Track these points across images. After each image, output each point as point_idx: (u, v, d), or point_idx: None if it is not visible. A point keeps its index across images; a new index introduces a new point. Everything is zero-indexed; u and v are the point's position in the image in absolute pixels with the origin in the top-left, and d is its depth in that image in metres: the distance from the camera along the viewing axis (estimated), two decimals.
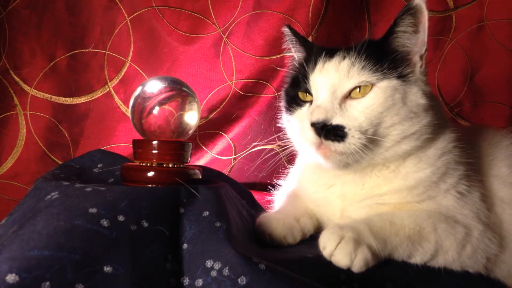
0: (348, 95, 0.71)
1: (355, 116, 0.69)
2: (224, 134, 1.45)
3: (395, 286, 0.64)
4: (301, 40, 0.86)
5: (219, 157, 1.46)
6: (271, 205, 0.97)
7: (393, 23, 0.73)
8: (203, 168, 0.81)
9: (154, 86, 0.75)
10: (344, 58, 0.73)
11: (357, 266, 0.61)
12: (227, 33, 1.41)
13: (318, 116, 0.69)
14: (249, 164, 1.43)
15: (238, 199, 0.82)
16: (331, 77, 0.72)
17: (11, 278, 0.45)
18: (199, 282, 0.55)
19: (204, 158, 1.46)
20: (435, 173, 0.73)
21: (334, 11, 1.38)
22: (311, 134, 0.70)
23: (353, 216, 0.74)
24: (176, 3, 1.41)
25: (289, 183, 0.94)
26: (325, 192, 0.82)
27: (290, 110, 0.80)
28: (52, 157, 1.39)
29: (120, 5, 1.40)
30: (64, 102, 1.40)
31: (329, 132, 0.69)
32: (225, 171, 1.46)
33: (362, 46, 0.72)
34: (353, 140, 0.68)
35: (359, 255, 0.61)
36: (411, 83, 0.72)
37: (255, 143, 1.43)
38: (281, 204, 0.90)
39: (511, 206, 0.77)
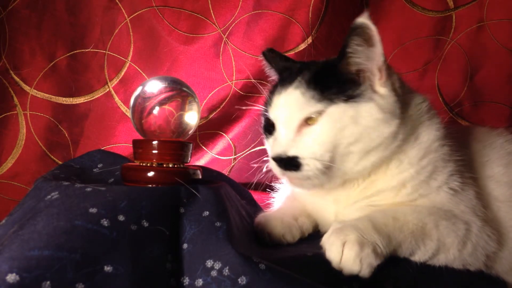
0: (304, 123, 0.73)
1: (308, 145, 0.72)
2: (224, 134, 1.45)
3: (396, 285, 0.64)
4: (277, 64, 0.87)
5: (219, 157, 1.46)
6: (271, 207, 0.97)
7: (343, 44, 0.73)
8: (203, 168, 0.81)
9: (154, 86, 0.75)
10: (296, 88, 0.74)
11: (366, 273, 0.60)
12: (227, 33, 1.41)
13: (276, 150, 0.74)
14: (249, 164, 1.43)
15: (237, 199, 0.82)
16: (284, 110, 0.75)
17: (11, 277, 0.45)
18: (199, 282, 0.55)
19: (204, 158, 1.46)
20: (421, 173, 0.73)
21: (334, 11, 1.38)
22: (274, 166, 0.75)
23: (348, 218, 0.74)
24: (176, 3, 1.41)
25: (287, 185, 0.94)
26: (315, 197, 0.82)
27: (266, 137, 0.83)
28: (52, 157, 1.39)
29: (120, 5, 1.40)
30: (64, 102, 1.40)
31: (287, 163, 0.73)
32: (225, 171, 1.46)
33: (313, 74, 0.74)
34: (309, 167, 0.71)
35: (365, 261, 0.60)
36: (365, 101, 0.71)
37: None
38: (280, 205, 0.91)
39: (506, 204, 0.78)
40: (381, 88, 0.73)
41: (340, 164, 0.72)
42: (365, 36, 0.71)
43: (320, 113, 0.72)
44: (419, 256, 0.68)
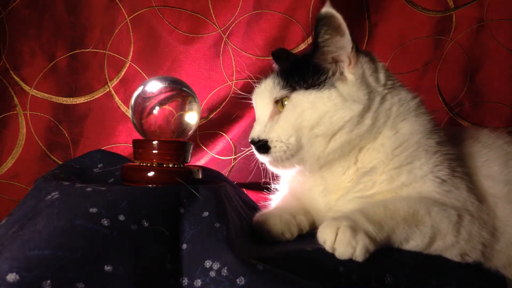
0: (277, 111, 0.80)
1: (276, 129, 0.78)
2: (224, 134, 1.45)
3: (396, 278, 0.64)
4: (281, 62, 0.95)
5: (219, 157, 1.46)
6: (268, 207, 0.97)
7: (314, 35, 0.77)
8: (203, 168, 0.81)
9: (154, 86, 0.75)
10: (270, 78, 0.83)
11: (360, 254, 0.61)
12: (227, 33, 1.41)
13: (251, 135, 0.82)
14: (249, 164, 1.43)
15: (237, 200, 0.82)
16: (259, 98, 0.84)
17: (11, 277, 0.45)
18: (198, 282, 0.55)
19: (204, 158, 1.46)
20: (393, 160, 0.75)
21: None
22: (254, 149, 0.83)
23: (341, 210, 0.76)
24: (176, 3, 1.41)
25: (283, 185, 0.96)
26: (308, 190, 0.84)
27: None
28: (52, 157, 1.39)
29: (120, 5, 1.40)
30: (64, 102, 1.40)
31: (259, 147, 0.80)
32: (225, 171, 1.46)
33: (287, 65, 0.82)
34: (275, 149, 0.78)
35: (359, 243, 0.61)
36: (327, 87, 0.76)
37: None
38: (277, 204, 0.92)
39: (503, 200, 0.79)
40: (350, 74, 0.77)
41: (309, 147, 0.77)
42: (333, 25, 0.74)
43: (286, 99, 0.79)
44: (416, 243, 0.69)
